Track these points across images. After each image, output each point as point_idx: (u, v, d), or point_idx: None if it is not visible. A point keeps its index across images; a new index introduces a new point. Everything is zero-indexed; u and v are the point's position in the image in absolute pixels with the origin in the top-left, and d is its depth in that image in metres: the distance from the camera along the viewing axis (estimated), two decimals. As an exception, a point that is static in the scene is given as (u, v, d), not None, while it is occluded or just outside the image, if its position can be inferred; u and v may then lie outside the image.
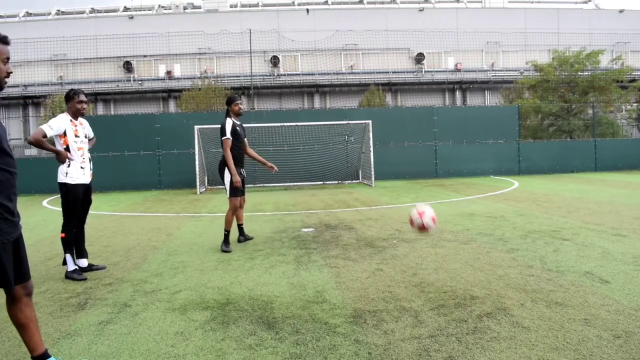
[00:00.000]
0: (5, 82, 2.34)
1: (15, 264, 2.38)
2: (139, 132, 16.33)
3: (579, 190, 11.58)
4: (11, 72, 2.35)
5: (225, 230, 5.86)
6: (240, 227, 6.29)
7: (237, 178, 5.71)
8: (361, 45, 28.87)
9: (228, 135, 5.75)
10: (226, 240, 5.82)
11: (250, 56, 23.66)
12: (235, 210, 5.90)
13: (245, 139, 6.12)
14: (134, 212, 10.13)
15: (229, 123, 5.80)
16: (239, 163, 5.90)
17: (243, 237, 6.29)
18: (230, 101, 5.93)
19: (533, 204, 9.31)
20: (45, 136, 4.44)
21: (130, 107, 27.39)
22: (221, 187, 16.13)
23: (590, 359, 2.55)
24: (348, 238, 6.27)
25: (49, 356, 2.52)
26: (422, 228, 4.01)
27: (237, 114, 5.95)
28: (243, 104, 28.45)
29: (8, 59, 2.31)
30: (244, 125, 6.25)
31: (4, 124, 2.47)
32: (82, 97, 4.78)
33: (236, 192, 5.82)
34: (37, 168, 15.61)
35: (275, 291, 3.97)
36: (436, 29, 28.48)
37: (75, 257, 4.79)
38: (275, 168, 6.31)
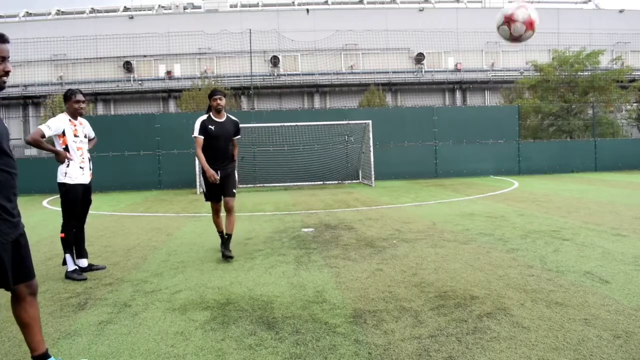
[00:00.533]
0: (4, 82, 2.32)
1: (17, 263, 2.38)
2: (139, 132, 16.33)
3: (579, 190, 11.58)
4: (9, 71, 2.33)
5: (218, 232, 5.70)
6: (225, 236, 5.49)
7: (211, 171, 5.23)
8: (361, 45, 28.86)
9: (195, 133, 5.37)
10: (222, 242, 5.64)
11: (250, 56, 23.71)
12: (214, 213, 5.59)
13: (236, 138, 5.57)
14: (134, 212, 10.13)
15: (199, 120, 5.38)
16: (213, 164, 5.33)
17: (223, 248, 5.41)
18: (209, 95, 5.48)
19: (533, 204, 9.31)
20: (43, 136, 4.44)
21: (130, 107, 27.39)
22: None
23: (590, 359, 2.55)
24: (348, 238, 6.27)
25: (49, 356, 2.53)
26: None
27: (216, 110, 5.40)
28: (243, 104, 28.51)
29: (4, 58, 2.29)
30: (239, 123, 5.65)
31: (5, 124, 2.47)
32: (79, 97, 4.78)
33: (208, 195, 5.49)
34: (37, 168, 15.61)
35: (275, 291, 3.97)
36: (436, 29, 28.46)
37: (75, 257, 4.79)
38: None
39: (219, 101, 5.38)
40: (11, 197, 2.34)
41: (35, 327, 2.49)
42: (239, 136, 5.63)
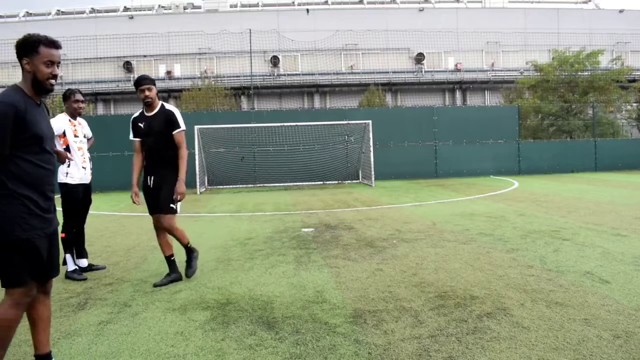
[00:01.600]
0: (52, 84, 2.45)
1: (46, 259, 2.43)
2: (139, 132, 16.30)
3: (579, 190, 11.58)
4: (57, 75, 2.46)
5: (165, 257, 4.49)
6: (168, 260, 4.49)
7: (134, 189, 4.39)
8: (361, 45, 28.87)
9: (130, 136, 4.44)
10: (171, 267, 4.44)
11: (250, 56, 23.72)
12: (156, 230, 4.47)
13: (176, 132, 4.25)
14: (134, 212, 10.12)
15: (132, 118, 4.43)
16: (147, 170, 4.40)
17: (170, 273, 4.41)
18: (134, 84, 4.32)
19: (533, 204, 9.31)
20: (45, 136, 4.44)
21: (130, 107, 27.39)
22: (222, 187, 16.26)
23: (590, 359, 2.55)
24: (348, 238, 6.27)
25: (51, 358, 2.53)
26: None
27: (144, 104, 4.30)
28: (243, 104, 28.50)
29: (52, 62, 2.42)
30: (174, 113, 4.30)
31: (50, 125, 2.60)
32: (78, 97, 4.77)
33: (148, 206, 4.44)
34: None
35: (275, 291, 3.97)
36: (436, 29, 28.48)
37: (75, 257, 4.79)
38: (137, 201, 4.39)
39: (146, 92, 4.21)
40: (48, 193, 2.44)
41: (42, 327, 2.52)
42: (178, 130, 4.28)
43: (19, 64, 2.49)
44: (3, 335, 2.32)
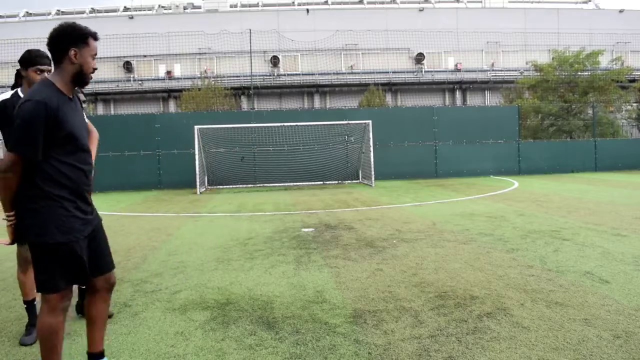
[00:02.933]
0: (91, 78, 2.38)
1: (93, 257, 2.40)
2: (139, 132, 16.32)
3: (579, 190, 11.58)
4: (96, 69, 2.39)
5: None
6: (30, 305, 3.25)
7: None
8: (361, 45, 28.87)
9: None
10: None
11: (250, 56, 23.72)
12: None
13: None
14: (134, 212, 10.12)
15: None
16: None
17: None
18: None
19: (533, 204, 9.31)
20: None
21: (130, 107, 27.38)
22: (222, 187, 16.26)
23: (590, 359, 2.55)
24: (348, 238, 6.27)
25: (104, 357, 2.52)
26: None
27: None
28: (243, 104, 28.61)
29: (95, 55, 2.36)
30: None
31: (88, 123, 2.52)
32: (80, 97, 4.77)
33: None
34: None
35: (275, 291, 3.97)
36: (436, 29, 28.48)
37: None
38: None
39: (47, 75, 2.84)
40: (84, 194, 2.36)
41: (100, 324, 2.49)
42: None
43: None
44: (49, 343, 2.26)
